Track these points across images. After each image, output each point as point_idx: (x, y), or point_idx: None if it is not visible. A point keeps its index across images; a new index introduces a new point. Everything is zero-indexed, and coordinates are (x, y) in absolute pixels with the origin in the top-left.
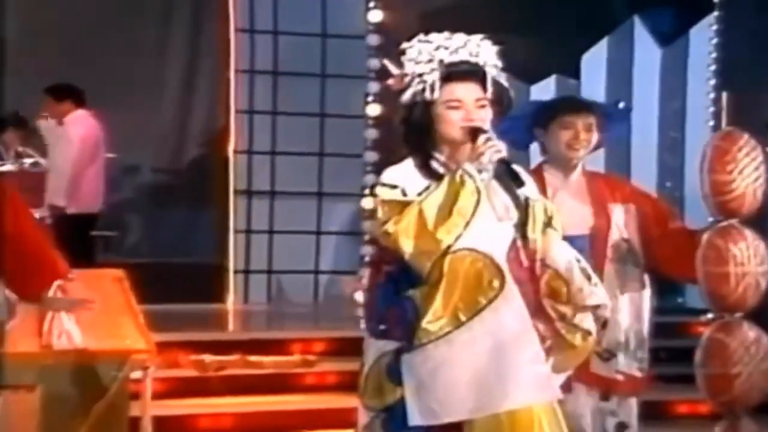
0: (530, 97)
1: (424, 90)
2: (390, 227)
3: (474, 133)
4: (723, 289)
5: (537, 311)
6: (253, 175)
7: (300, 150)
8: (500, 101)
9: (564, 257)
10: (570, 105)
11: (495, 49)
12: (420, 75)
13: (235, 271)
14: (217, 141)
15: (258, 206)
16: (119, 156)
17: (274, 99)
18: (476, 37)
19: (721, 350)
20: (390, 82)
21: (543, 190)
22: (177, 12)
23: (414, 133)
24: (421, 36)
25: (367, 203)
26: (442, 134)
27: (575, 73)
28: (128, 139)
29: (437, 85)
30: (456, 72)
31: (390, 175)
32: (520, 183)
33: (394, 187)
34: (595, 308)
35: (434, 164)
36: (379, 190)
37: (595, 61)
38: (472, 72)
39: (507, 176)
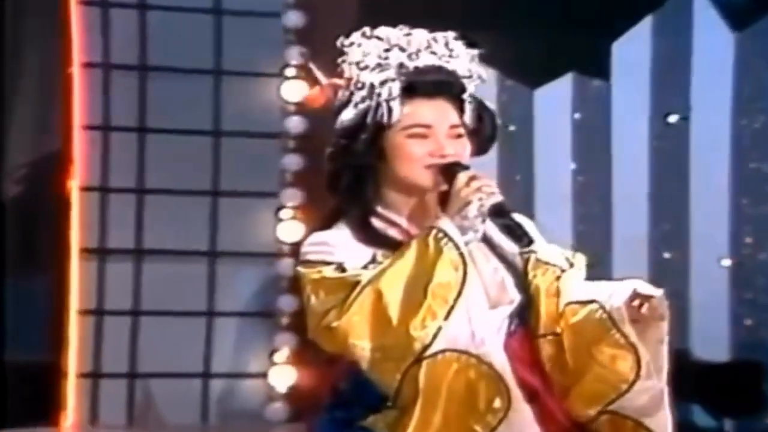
0: (534, 105)
1: (377, 109)
2: (332, 320)
3: (448, 172)
4: None
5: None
6: (109, 224)
7: (183, 186)
8: (481, 130)
9: (581, 285)
10: None
11: (473, 53)
12: (370, 86)
13: (80, 375)
14: (51, 173)
15: (116, 273)
16: None
17: (142, 108)
18: (444, 36)
19: None
20: (311, 94)
21: None
22: None
23: (352, 173)
24: (366, 30)
25: (286, 267)
26: (398, 176)
27: (602, 71)
28: None
29: (397, 101)
30: (422, 84)
31: (315, 245)
32: (526, 241)
33: (326, 263)
34: (647, 299)
35: (378, 223)
36: (303, 269)
37: (632, 52)
38: (444, 85)
39: (506, 234)
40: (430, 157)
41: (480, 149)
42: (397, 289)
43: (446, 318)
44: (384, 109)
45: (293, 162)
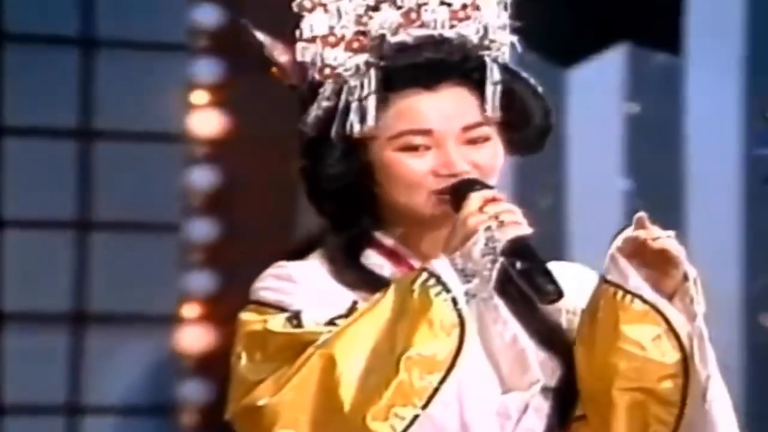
0: (566, 92)
1: (346, 113)
2: (261, 397)
3: (458, 195)
4: None
5: None
6: None
7: (34, 214)
8: (519, 126)
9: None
10: None
11: (500, 6)
12: (331, 74)
13: None
14: None
15: None
16: None
17: None
18: None
19: None
20: (280, 66)
21: None
22: None
23: (335, 199)
24: None
25: (191, 337)
26: (397, 204)
27: (670, 40)
28: None
29: (372, 99)
30: (412, 69)
31: (276, 279)
32: (552, 292)
33: (279, 309)
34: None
35: (375, 257)
36: (245, 313)
37: (716, 12)
38: (451, 66)
39: (523, 283)
40: (434, 176)
41: (523, 147)
42: (358, 357)
43: (425, 406)
44: (354, 113)
45: (204, 178)
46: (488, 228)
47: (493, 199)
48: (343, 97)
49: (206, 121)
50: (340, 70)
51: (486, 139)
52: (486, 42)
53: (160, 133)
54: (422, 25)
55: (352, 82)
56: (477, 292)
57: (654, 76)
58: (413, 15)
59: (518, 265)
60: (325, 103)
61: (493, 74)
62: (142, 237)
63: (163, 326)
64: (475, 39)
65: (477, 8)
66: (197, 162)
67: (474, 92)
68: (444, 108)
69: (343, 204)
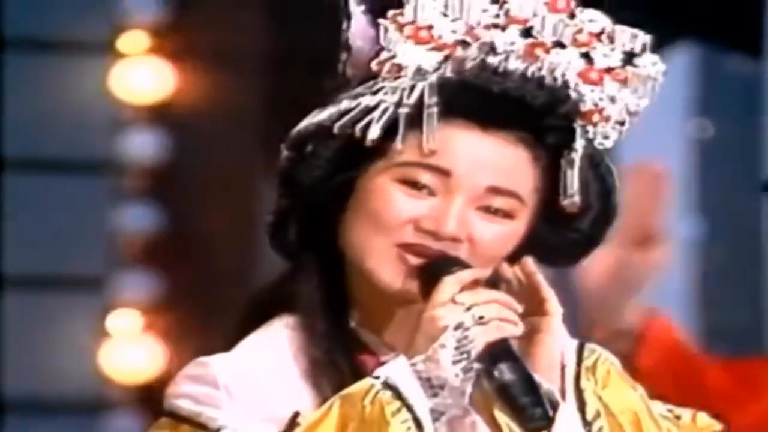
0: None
1: (372, 108)
2: None
3: (429, 273)
4: None
5: None
6: None
7: None
8: (561, 227)
9: None
10: None
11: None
12: (392, 68)
13: None
14: None
15: None
16: None
17: None
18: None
19: None
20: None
21: None
22: None
23: (304, 224)
24: None
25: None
26: (349, 253)
27: (750, 38)
28: None
29: (431, 114)
30: (485, 96)
31: (193, 383)
32: (540, 419)
33: (198, 426)
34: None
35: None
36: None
37: None
38: (527, 111)
39: (511, 402)
40: (413, 228)
41: (554, 254)
42: None
43: None
44: (379, 114)
45: (139, 218)
46: (459, 326)
47: (476, 283)
48: (379, 94)
49: (143, 144)
50: (403, 65)
51: (507, 215)
52: (592, 114)
53: (83, 161)
54: (540, 65)
55: (405, 84)
56: (446, 409)
57: (730, 87)
58: (539, 51)
59: (497, 376)
60: (352, 101)
61: (578, 150)
62: (60, 295)
63: (89, 412)
64: (585, 107)
65: (623, 82)
66: (130, 198)
67: (535, 161)
68: (482, 155)
69: (314, 236)
